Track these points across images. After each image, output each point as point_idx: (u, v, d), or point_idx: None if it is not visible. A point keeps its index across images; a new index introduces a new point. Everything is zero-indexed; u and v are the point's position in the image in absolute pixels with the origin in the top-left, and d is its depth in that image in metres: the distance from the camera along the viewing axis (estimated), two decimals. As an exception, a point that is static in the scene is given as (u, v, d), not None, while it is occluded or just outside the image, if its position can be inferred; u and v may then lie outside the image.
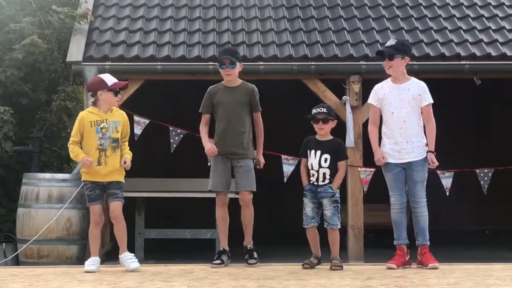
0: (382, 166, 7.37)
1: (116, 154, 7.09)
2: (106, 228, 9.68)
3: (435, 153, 7.24)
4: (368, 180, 10.42)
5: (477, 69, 10.75)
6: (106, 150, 7.04)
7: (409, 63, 7.61)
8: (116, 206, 7.11)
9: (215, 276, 6.64)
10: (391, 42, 7.47)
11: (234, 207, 7.59)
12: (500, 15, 11.76)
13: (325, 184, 7.20)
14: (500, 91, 13.64)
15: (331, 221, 7.18)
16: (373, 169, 10.00)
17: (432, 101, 7.33)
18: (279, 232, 13.81)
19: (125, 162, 7.10)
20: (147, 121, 10.50)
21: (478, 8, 11.93)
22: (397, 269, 7.12)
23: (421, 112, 7.31)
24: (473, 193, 13.34)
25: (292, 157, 10.51)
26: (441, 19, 11.62)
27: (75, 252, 10.08)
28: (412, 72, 9.27)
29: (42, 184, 10.15)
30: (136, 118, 10.29)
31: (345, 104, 10.50)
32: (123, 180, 7.20)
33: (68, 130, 12.71)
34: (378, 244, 10.34)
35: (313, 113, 7.27)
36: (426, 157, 7.23)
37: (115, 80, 7.22)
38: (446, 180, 10.82)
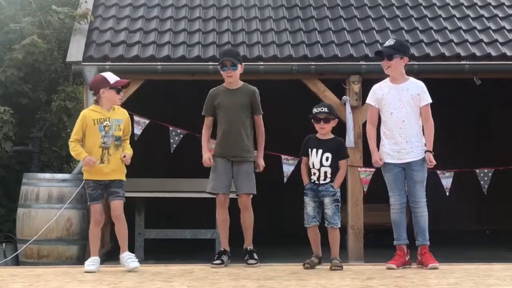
0: (382, 167, 7.37)
1: (119, 152, 7.10)
2: (106, 228, 9.67)
3: (433, 152, 7.23)
4: (368, 180, 10.42)
5: (477, 69, 10.75)
6: (109, 148, 7.05)
7: (409, 63, 7.61)
8: (117, 205, 7.10)
9: (215, 276, 6.64)
10: (390, 42, 7.47)
11: (234, 208, 7.58)
12: (500, 15, 11.76)
13: (326, 183, 7.21)
14: (500, 91, 13.64)
15: (331, 220, 7.19)
16: (373, 169, 9.99)
17: (430, 101, 7.33)
18: (279, 232, 13.81)
19: (124, 156, 7.09)
20: (147, 121, 10.51)
21: (478, 8, 11.93)
22: (397, 269, 7.12)
23: (420, 112, 7.31)
24: (473, 193, 13.34)
25: (292, 157, 10.51)
26: (441, 19, 11.62)
27: (75, 252, 10.08)
28: (412, 72, 9.29)
29: (42, 184, 10.15)
30: (136, 118, 10.28)
31: (345, 104, 10.50)
32: (124, 179, 7.19)
33: (68, 130, 12.71)
34: (378, 244, 10.34)
35: (314, 112, 7.28)
36: (425, 157, 7.23)
37: (117, 78, 7.23)
38: (446, 180, 10.83)
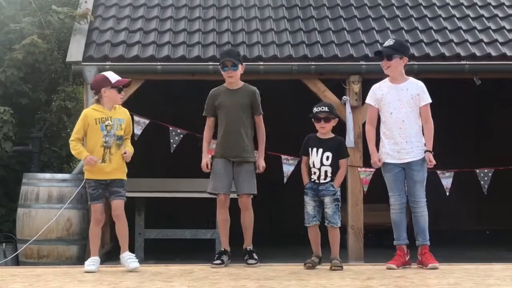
0: (382, 167, 7.37)
1: (120, 151, 7.10)
2: (106, 228, 9.67)
3: (433, 152, 7.23)
4: (368, 180, 10.42)
5: (477, 69, 10.75)
6: (110, 148, 7.05)
7: (409, 63, 7.61)
8: (118, 205, 7.11)
9: (215, 276, 6.64)
10: (389, 42, 7.47)
11: (234, 208, 7.58)
12: (500, 15, 11.76)
13: (327, 182, 7.21)
14: (500, 91, 13.64)
15: (332, 219, 7.19)
16: (373, 169, 9.99)
17: (430, 101, 7.33)
18: (279, 232, 13.81)
19: (125, 153, 7.09)
20: (147, 121, 10.51)
21: (478, 8, 11.93)
22: (397, 269, 7.12)
23: (419, 112, 7.31)
24: (473, 193, 13.34)
25: (292, 157, 10.52)
26: (441, 19, 11.62)
27: (75, 252, 10.08)
28: (412, 72, 9.29)
29: (42, 184, 10.15)
30: (136, 118, 10.28)
31: (345, 104, 10.50)
32: (125, 178, 7.20)
33: (68, 130, 12.72)
34: (378, 244, 10.34)
35: (314, 111, 7.28)
36: (425, 157, 7.23)
37: (118, 77, 7.24)
38: (446, 180, 10.83)
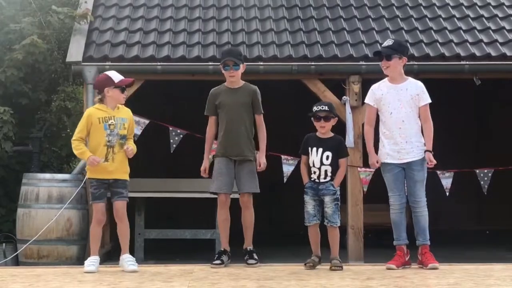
0: (381, 167, 7.37)
1: (123, 151, 7.11)
2: (106, 228, 9.66)
3: (432, 152, 7.24)
4: (368, 180, 10.42)
5: (477, 69, 10.75)
6: (113, 147, 7.05)
7: (409, 63, 7.61)
8: (121, 205, 7.11)
9: (215, 277, 6.64)
10: (388, 42, 7.47)
11: (234, 208, 7.59)
12: (500, 15, 11.76)
13: (327, 182, 7.22)
14: (500, 91, 13.65)
15: (331, 219, 7.19)
16: (372, 169, 9.97)
17: (430, 101, 7.33)
18: (279, 232, 13.82)
19: (127, 148, 7.10)
20: (147, 121, 10.51)
21: (478, 8, 11.93)
22: (397, 270, 7.12)
23: (418, 112, 7.31)
24: (473, 193, 13.35)
25: (292, 157, 10.52)
26: (441, 19, 11.62)
27: (75, 253, 10.08)
28: (411, 72, 9.30)
29: (42, 185, 10.15)
30: (136, 118, 10.23)
31: (345, 104, 10.50)
32: (128, 179, 7.20)
33: (68, 130, 12.72)
34: (378, 244, 10.34)
35: (314, 110, 7.29)
36: (425, 157, 7.23)
37: (121, 77, 7.24)
38: (446, 180, 10.83)
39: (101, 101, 7.17)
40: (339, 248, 7.31)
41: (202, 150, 7.76)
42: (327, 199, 7.20)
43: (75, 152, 7.21)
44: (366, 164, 10.19)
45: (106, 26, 11.30)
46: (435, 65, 10.76)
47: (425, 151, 7.22)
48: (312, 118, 7.33)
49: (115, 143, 7.06)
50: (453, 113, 14.56)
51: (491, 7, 11.97)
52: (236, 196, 7.65)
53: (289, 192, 10.79)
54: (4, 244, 10.57)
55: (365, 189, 10.49)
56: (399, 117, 7.26)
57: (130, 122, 7.23)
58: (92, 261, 7.06)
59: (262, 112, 7.62)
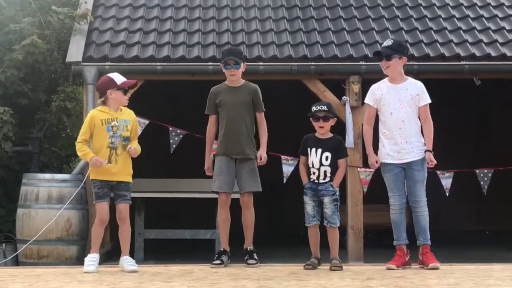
0: (381, 167, 7.37)
1: (126, 152, 7.12)
2: (106, 228, 9.61)
3: (433, 152, 7.24)
4: (368, 180, 10.41)
5: (477, 70, 10.74)
6: (116, 149, 7.06)
7: (409, 63, 7.61)
8: (124, 208, 7.14)
9: (215, 277, 6.64)
10: (388, 42, 7.47)
11: (235, 207, 7.58)
12: (500, 15, 11.76)
13: (326, 182, 7.21)
14: (500, 91, 13.65)
15: (331, 220, 7.19)
16: (372, 170, 9.98)
17: (430, 101, 7.33)
18: (279, 232, 13.82)
19: (130, 147, 7.09)
20: (147, 121, 10.51)
21: (478, 9, 11.93)
22: (397, 270, 7.12)
23: (418, 112, 7.31)
24: (473, 193, 13.34)
25: (291, 157, 10.51)
26: (440, 19, 11.62)
27: (74, 253, 10.07)
28: (411, 72, 9.29)
29: (41, 185, 10.15)
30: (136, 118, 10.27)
31: (344, 104, 10.50)
32: (131, 181, 7.22)
33: (68, 131, 12.72)
34: (378, 244, 10.34)
35: (313, 110, 7.29)
36: (425, 157, 7.23)
37: (124, 79, 7.25)
38: (446, 181, 10.83)
39: (104, 103, 7.19)
40: (339, 249, 7.32)
41: (202, 150, 7.76)
42: (326, 199, 7.19)
43: (79, 154, 7.25)
44: (366, 164, 10.20)
45: (106, 26, 11.30)
46: (435, 65, 10.76)
47: (426, 151, 7.22)
48: (311, 118, 7.33)
49: (118, 145, 7.07)
50: (453, 113, 14.56)
51: (491, 7, 11.97)
52: (236, 196, 7.65)
53: (289, 192, 10.78)
54: (4, 244, 10.57)
55: (365, 190, 10.48)
56: (399, 117, 7.26)
57: (133, 123, 7.24)
58: (92, 260, 7.06)
59: (264, 110, 7.63)
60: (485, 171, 11.00)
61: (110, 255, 9.83)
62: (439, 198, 10.28)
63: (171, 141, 10.64)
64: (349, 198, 10.49)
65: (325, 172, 7.21)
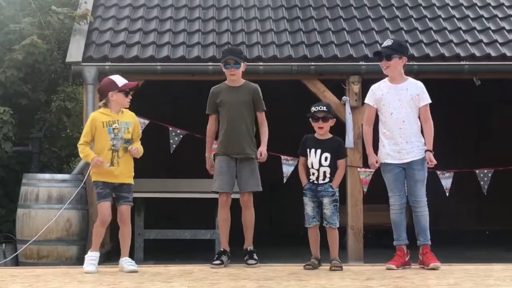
0: (382, 167, 7.37)
1: (128, 155, 7.12)
2: (107, 229, 9.62)
3: (433, 152, 7.23)
4: (368, 180, 10.41)
5: (477, 70, 10.74)
6: (118, 151, 7.07)
7: (409, 63, 7.61)
8: (126, 210, 7.16)
9: (215, 277, 6.64)
10: (388, 42, 7.46)
11: (235, 207, 7.58)
12: (500, 15, 11.76)
13: (325, 183, 7.21)
14: (500, 91, 13.64)
15: (330, 220, 7.19)
16: (372, 170, 9.98)
17: (430, 101, 7.33)
18: (279, 232, 13.81)
19: (131, 148, 7.09)
20: (147, 121, 10.50)
21: (478, 9, 11.93)
22: (397, 270, 7.12)
23: (418, 112, 7.31)
24: (473, 193, 13.34)
25: (291, 158, 10.51)
26: (440, 19, 11.62)
27: (74, 253, 10.07)
28: (411, 72, 9.29)
29: (41, 185, 10.14)
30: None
31: (344, 104, 10.50)
32: (132, 182, 7.23)
33: (68, 131, 12.71)
34: (378, 244, 10.34)
35: (312, 111, 7.28)
36: (425, 156, 7.23)
37: (125, 81, 7.25)
38: (446, 181, 10.83)
39: (105, 105, 7.19)
40: (339, 249, 7.31)
41: (202, 150, 7.77)
42: (325, 200, 7.19)
43: (81, 155, 7.28)
44: (366, 164, 10.21)
45: (106, 27, 11.30)
46: (435, 65, 10.76)
47: (426, 150, 7.22)
48: (310, 119, 7.32)
49: (120, 147, 7.07)
50: (453, 113, 14.56)
51: (491, 7, 11.97)
52: (236, 196, 7.65)
53: (289, 192, 10.78)
54: (4, 245, 10.57)
55: (365, 190, 10.48)
56: (400, 117, 7.25)
57: (134, 125, 7.24)
58: (93, 258, 7.06)
59: (265, 109, 7.63)
60: (485, 171, 11.01)
61: (109, 256, 9.83)
62: (439, 198, 10.27)
63: (171, 141, 10.64)
64: (349, 198, 10.49)
65: (324, 172, 7.21)
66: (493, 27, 11.45)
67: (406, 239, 7.33)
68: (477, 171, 11.05)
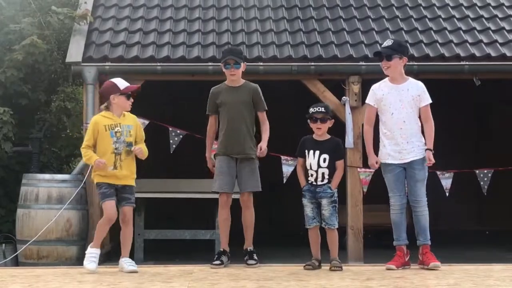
0: (382, 167, 7.37)
1: (130, 157, 7.13)
2: (107, 229, 9.66)
3: (433, 151, 7.23)
4: (368, 180, 10.41)
5: (477, 70, 10.75)
6: (121, 154, 7.07)
7: (409, 63, 7.60)
8: (128, 211, 7.17)
9: (215, 277, 6.64)
10: (388, 42, 7.46)
11: (235, 207, 7.58)
12: (500, 15, 11.76)
13: (324, 184, 7.21)
14: (500, 91, 13.64)
15: (329, 221, 7.19)
16: (372, 170, 9.97)
17: (430, 101, 7.33)
18: (279, 232, 13.81)
19: (134, 148, 7.08)
20: (147, 122, 10.50)
21: (478, 9, 11.93)
22: (397, 270, 7.12)
23: (419, 112, 7.31)
24: (473, 193, 13.34)
25: (291, 158, 10.50)
26: (440, 19, 11.62)
27: (74, 253, 10.07)
28: (411, 72, 9.28)
29: (41, 185, 10.14)
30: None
31: (344, 104, 10.50)
32: (134, 184, 7.23)
33: (68, 131, 12.71)
34: (378, 244, 10.33)
35: (311, 112, 7.27)
36: (426, 156, 7.23)
37: (127, 84, 7.25)
38: (446, 181, 10.82)
39: (107, 108, 7.19)
40: (339, 249, 7.31)
41: (202, 150, 7.77)
42: (324, 201, 7.19)
43: (84, 159, 7.31)
44: (366, 164, 10.20)
45: (105, 27, 11.30)
46: (435, 65, 10.76)
47: (426, 149, 7.22)
48: (308, 120, 7.32)
49: (122, 150, 7.08)
50: (453, 113, 14.56)
51: (491, 7, 11.97)
52: (236, 196, 7.65)
53: (289, 192, 10.75)
54: (3, 245, 10.57)
55: (365, 190, 10.48)
56: (400, 117, 7.25)
57: (136, 128, 7.24)
58: (93, 255, 7.07)
59: (266, 109, 7.63)
60: (485, 171, 11.00)
61: (109, 256, 9.83)
62: (439, 198, 10.27)
63: (171, 141, 10.64)
64: (349, 198, 10.49)
65: (323, 174, 7.20)
66: (493, 27, 11.45)
67: (406, 239, 7.33)
68: (477, 171, 11.05)
